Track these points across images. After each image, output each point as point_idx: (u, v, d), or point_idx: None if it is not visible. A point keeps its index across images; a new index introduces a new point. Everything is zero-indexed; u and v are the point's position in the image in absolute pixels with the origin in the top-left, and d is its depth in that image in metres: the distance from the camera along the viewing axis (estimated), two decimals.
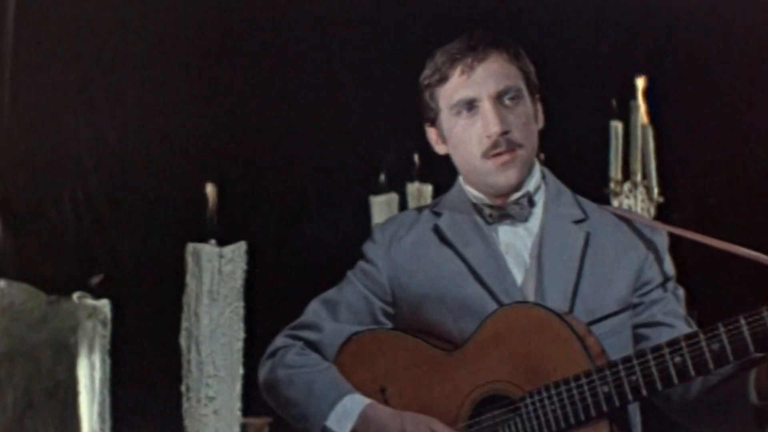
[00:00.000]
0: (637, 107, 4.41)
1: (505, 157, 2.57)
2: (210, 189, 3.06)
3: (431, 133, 2.70)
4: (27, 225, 4.42)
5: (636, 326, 2.58)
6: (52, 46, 4.62)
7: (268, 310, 3.44)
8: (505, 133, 2.56)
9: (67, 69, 4.64)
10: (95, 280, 3.56)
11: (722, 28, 4.58)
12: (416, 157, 4.06)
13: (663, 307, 2.58)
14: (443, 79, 2.61)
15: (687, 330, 2.48)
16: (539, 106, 2.67)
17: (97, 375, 3.56)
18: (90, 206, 4.63)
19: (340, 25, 4.78)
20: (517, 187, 2.60)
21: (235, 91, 4.75)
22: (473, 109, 2.59)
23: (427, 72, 2.65)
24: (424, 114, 2.69)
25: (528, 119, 2.61)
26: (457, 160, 2.66)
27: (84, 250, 4.52)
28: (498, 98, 2.58)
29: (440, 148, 2.69)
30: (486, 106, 2.57)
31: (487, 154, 2.57)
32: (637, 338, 2.57)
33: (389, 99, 4.34)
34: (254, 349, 3.05)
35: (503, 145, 2.56)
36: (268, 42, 4.78)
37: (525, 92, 2.62)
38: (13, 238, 4.24)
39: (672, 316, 2.57)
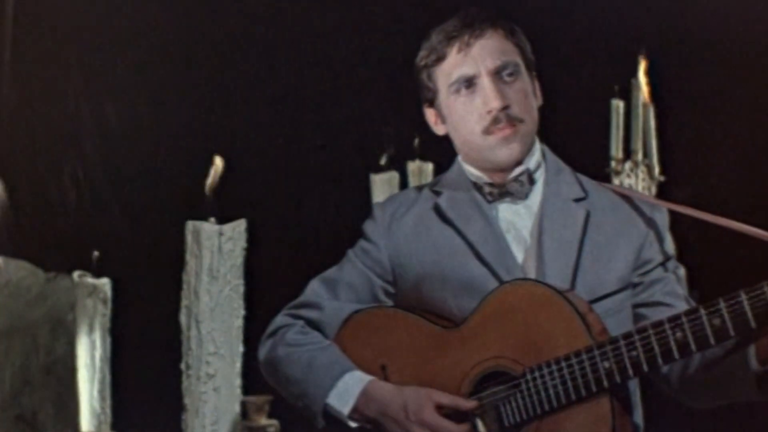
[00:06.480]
0: (638, 86, 4.41)
1: (507, 132, 2.56)
2: (215, 163, 3.05)
3: (430, 114, 2.70)
4: (26, 203, 4.41)
5: (636, 306, 2.58)
6: (51, 24, 4.61)
7: (268, 288, 3.43)
8: (505, 107, 2.56)
9: (67, 46, 4.63)
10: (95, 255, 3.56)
11: (724, 6, 4.56)
12: (416, 138, 4.05)
13: (663, 287, 2.58)
14: (440, 59, 2.61)
15: None
16: (537, 83, 2.67)
17: (98, 353, 3.56)
18: (89, 184, 4.63)
19: (342, 4, 4.77)
20: (518, 162, 2.60)
21: (235, 71, 4.74)
22: (472, 87, 2.58)
23: (423, 53, 2.65)
24: (421, 95, 2.69)
25: (527, 94, 2.61)
26: (457, 139, 2.66)
27: (83, 228, 4.52)
28: (496, 74, 2.58)
29: (439, 129, 2.69)
30: (485, 82, 2.57)
31: (487, 130, 2.57)
32: (637, 318, 2.57)
33: (390, 77, 4.33)
34: (254, 327, 3.05)
35: (503, 120, 2.56)
36: (268, 21, 4.77)
37: (522, 68, 2.62)
38: (13, 216, 4.23)
39: (672, 296, 2.57)
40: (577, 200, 2.62)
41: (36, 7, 4.55)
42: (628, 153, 4.43)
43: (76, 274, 3.65)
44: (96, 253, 3.56)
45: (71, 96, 4.62)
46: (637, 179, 4.39)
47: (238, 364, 3.19)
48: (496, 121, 2.56)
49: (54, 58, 4.60)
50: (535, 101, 2.64)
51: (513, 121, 2.56)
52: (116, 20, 4.67)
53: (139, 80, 4.65)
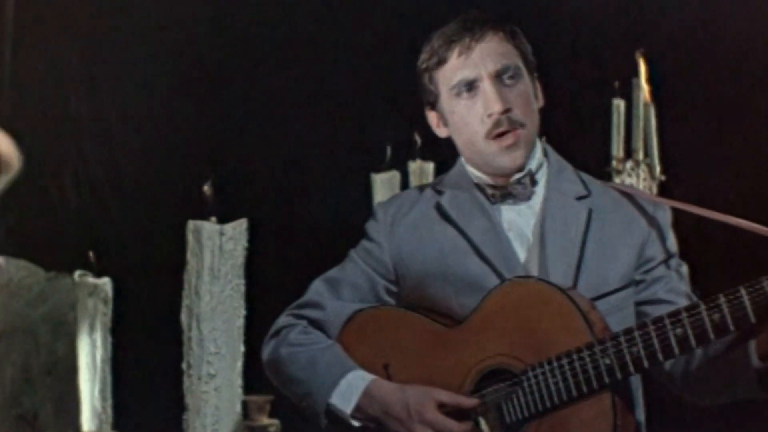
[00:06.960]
0: (639, 85, 4.41)
1: (510, 140, 2.56)
2: (212, 165, 3.06)
3: (432, 117, 2.70)
4: (28, 203, 4.41)
5: (638, 303, 2.59)
6: (53, 25, 4.61)
7: (269, 287, 3.43)
8: (506, 111, 2.56)
9: (69, 47, 4.64)
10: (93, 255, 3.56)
11: (725, 6, 4.57)
12: (417, 136, 4.05)
13: (665, 285, 2.58)
14: (441, 62, 2.61)
15: None
16: (538, 85, 2.67)
17: (99, 353, 3.55)
18: (91, 184, 4.63)
19: (342, 4, 4.77)
20: (521, 167, 2.60)
21: (237, 70, 4.75)
22: (473, 90, 2.58)
23: (424, 56, 2.65)
24: (423, 98, 2.69)
25: (528, 97, 2.61)
26: (460, 143, 2.66)
27: (83, 228, 4.52)
28: (498, 77, 2.58)
29: (441, 132, 2.69)
30: (486, 86, 2.57)
31: (490, 135, 2.57)
32: (639, 315, 2.57)
33: (391, 76, 4.33)
34: (255, 327, 3.05)
35: (505, 124, 2.56)
36: (270, 20, 4.77)
37: (523, 71, 2.62)
38: (14, 216, 4.24)
39: (674, 294, 2.57)
40: (580, 198, 2.62)
41: (36, 6, 4.55)
42: (629, 152, 4.43)
43: (76, 274, 3.65)
44: (92, 254, 3.55)
45: (72, 96, 4.62)
46: (638, 178, 4.39)
47: (239, 364, 3.19)
48: (497, 124, 2.56)
49: (54, 57, 4.60)
50: (537, 103, 2.64)
51: (515, 125, 2.56)
52: (117, 20, 4.68)
53: (139, 80, 4.65)
